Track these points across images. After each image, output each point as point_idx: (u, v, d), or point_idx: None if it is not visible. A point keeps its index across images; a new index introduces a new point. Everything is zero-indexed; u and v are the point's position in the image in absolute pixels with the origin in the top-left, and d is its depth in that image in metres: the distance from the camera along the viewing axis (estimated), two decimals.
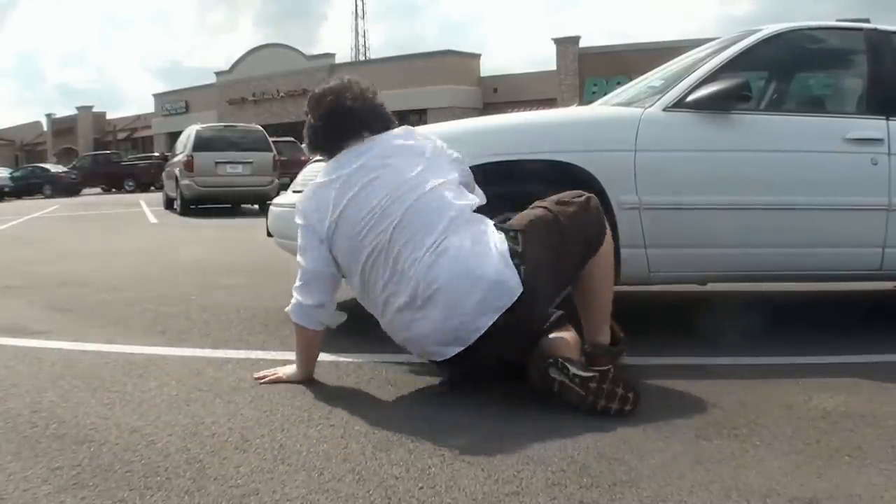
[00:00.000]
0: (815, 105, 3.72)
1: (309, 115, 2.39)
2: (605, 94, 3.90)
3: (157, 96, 44.61)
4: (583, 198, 2.23)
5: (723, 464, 1.69)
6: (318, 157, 2.61)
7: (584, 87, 27.62)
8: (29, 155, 49.27)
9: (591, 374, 1.98)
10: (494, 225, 2.20)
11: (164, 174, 14.98)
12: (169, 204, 13.62)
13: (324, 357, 2.65)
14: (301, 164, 9.20)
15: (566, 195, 2.25)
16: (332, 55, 37.40)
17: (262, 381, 2.33)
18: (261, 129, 13.48)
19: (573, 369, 1.98)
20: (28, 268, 5.49)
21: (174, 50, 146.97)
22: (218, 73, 40.26)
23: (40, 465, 1.70)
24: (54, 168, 28.39)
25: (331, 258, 2.26)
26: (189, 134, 12.75)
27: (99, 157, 30.64)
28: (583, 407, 1.97)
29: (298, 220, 2.31)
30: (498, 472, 1.64)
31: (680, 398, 2.18)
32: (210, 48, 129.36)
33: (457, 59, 32.43)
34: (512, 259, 2.07)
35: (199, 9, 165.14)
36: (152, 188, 24.56)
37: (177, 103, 42.00)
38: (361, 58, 49.91)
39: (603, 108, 3.31)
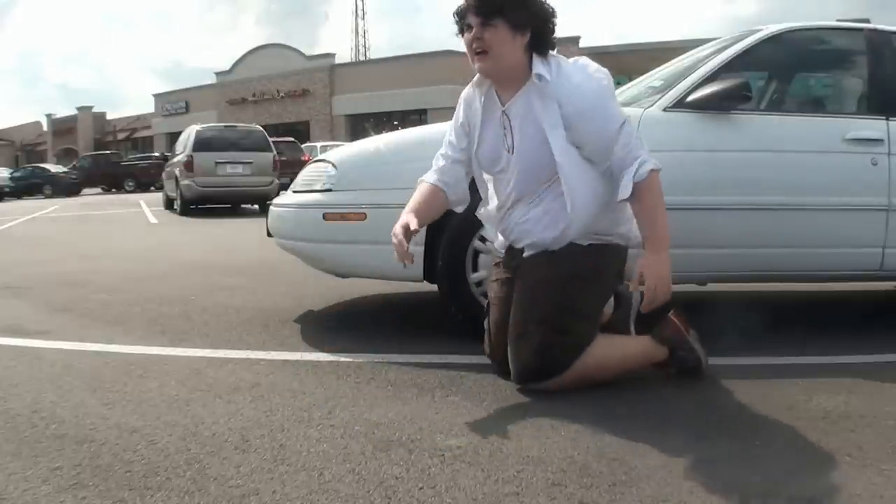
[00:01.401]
0: (815, 105, 3.72)
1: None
2: None
3: (157, 96, 44.65)
4: None
5: (723, 464, 1.69)
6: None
7: None
8: (29, 155, 49.34)
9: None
10: None
11: (164, 174, 14.97)
12: (169, 204, 13.61)
13: (323, 357, 2.66)
14: (301, 164, 9.21)
15: None
16: (332, 55, 37.41)
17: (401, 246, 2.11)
18: (261, 129, 13.47)
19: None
20: (28, 268, 5.48)
21: (176, 50, 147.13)
22: (218, 74, 40.30)
23: (40, 465, 1.70)
24: (54, 168, 28.39)
25: None
26: (189, 134, 12.74)
27: (99, 157, 30.62)
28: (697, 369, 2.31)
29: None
30: (498, 472, 1.64)
31: (680, 398, 2.18)
32: (212, 48, 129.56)
33: (457, 59, 32.15)
34: None
35: (200, 8, 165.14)
36: (152, 188, 24.56)
37: (177, 103, 42.04)
38: (361, 58, 49.91)
39: None
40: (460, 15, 2.15)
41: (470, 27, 2.12)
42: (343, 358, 2.61)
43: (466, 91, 2.33)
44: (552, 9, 2.16)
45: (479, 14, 2.08)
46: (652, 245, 2.11)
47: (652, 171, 2.09)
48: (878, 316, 3.61)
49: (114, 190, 27.23)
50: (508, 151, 2.19)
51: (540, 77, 2.11)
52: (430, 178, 2.36)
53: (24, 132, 53.11)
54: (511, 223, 2.28)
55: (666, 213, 2.13)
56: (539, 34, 2.13)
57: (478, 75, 2.24)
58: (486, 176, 2.34)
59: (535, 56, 2.13)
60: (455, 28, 2.20)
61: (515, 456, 1.73)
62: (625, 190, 2.09)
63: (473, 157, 2.29)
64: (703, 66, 2.96)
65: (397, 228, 2.13)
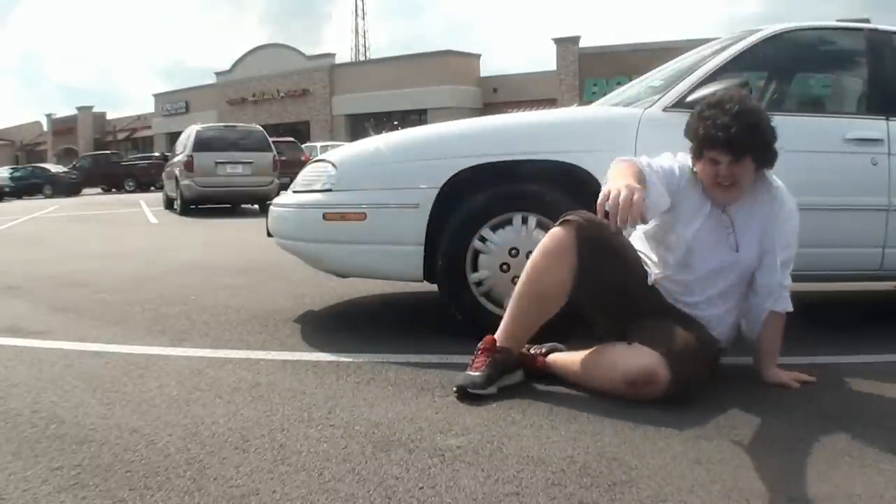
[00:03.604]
0: (815, 105, 3.73)
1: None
2: (605, 94, 3.90)
3: (157, 96, 44.64)
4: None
5: (723, 464, 1.69)
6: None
7: (584, 87, 27.64)
8: (29, 155, 49.30)
9: None
10: None
11: (164, 174, 14.97)
12: (169, 204, 13.62)
13: (323, 357, 2.66)
14: (301, 164, 9.24)
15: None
16: (332, 55, 37.40)
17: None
18: (261, 129, 13.47)
19: None
20: (28, 268, 5.48)
21: (178, 50, 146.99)
22: (218, 73, 40.28)
23: (40, 465, 1.70)
24: (54, 168, 28.38)
25: None
26: (189, 134, 12.74)
27: (99, 157, 30.60)
28: None
29: None
30: (498, 472, 1.64)
31: (680, 399, 2.18)
32: (214, 48, 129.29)
33: (457, 59, 32.43)
34: None
35: (202, 8, 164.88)
36: (152, 188, 24.57)
37: (177, 103, 42.03)
38: (361, 58, 49.92)
39: (603, 109, 3.31)
40: (700, 143, 2.19)
41: (716, 162, 2.16)
42: (343, 358, 2.61)
43: (686, 168, 2.29)
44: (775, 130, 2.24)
45: (730, 153, 2.14)
46: (773, 360, 2.34)
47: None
48: (878, 316, 3.61)
49: (114, 190, 27.23)
50: (734, 250, 2.25)
51: (773, 180, 2.30)
52: (637, 160, 2.19)
53: (24, 132, 53.10)
54: (699, 306, 2.29)
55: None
56: (769, 162, 2.25)
57: (692, 169, 2.27)
58: (669, 254, 2.29)
59: (763, 172, 2.27)
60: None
61: (515, 456, 1.73)
62: (786, 304, 2.31)
63: (680, 239, 2.24)
64: (703, 66, 2.95)
65: (625, 192, 1.84)
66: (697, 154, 2.23)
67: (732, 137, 2.10)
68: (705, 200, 2.25)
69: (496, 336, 2.24)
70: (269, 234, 3.25)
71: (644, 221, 1.92)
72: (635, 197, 1.83)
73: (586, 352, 2.23)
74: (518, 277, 2.24)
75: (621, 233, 2.14)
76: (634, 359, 2.07)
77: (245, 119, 23.74)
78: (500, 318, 2.72)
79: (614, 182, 1.91)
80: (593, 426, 1.92)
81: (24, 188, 24.91)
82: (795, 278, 3.24)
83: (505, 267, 2.74)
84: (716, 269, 2.26)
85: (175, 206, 12.69)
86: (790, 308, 2.31)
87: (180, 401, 2.16)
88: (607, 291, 2.20)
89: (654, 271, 2.30)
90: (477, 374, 2.18)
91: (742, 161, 2.16)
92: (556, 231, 2.18)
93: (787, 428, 1.92)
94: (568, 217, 2.18)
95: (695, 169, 2.26)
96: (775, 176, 2.34)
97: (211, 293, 4.08)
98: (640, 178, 2.05)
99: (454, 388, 2.20)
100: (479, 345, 2.24)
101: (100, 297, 4.03)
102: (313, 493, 1.54)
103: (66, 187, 25.03)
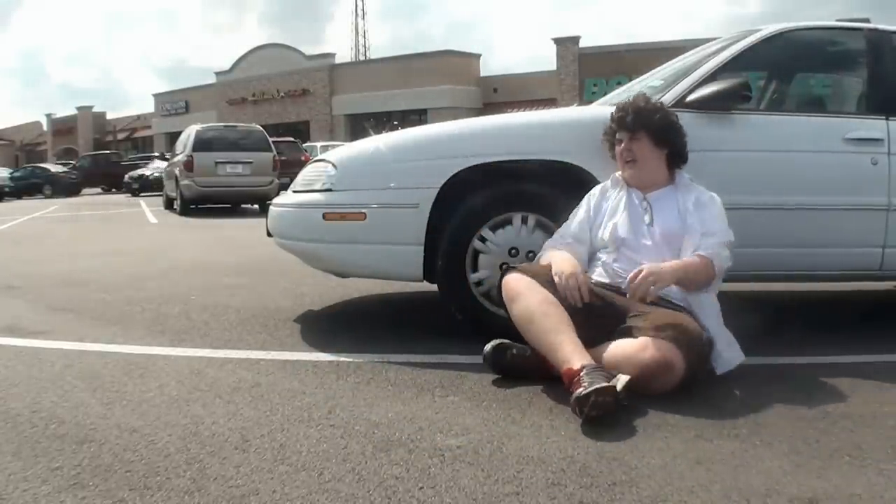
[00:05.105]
0: (815, 105, 3.73)
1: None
2: (605, 94, 3.89)
3: (156, 96, 44.61)
4: None
5: (723, 464, 1.69)
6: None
7: (584, 87, 27.64)
8: (29, 155, 49.28)
9: None
10: None
11: (164, 174, 14.97)
12: (169, 204, 13.62)
13: (323, 357, 2.66)
14: (301, 164, 9.25)
15: None
16: (332, 55, 37.39)
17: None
18: (261, 129, 13.47)
19: None
20: (28, 268, 5.48)
21: (179, 50, 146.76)
22: (218, 73, 40.26)
23: (40, 465, 1.70)
24: (54, 168, 28.37)
25: None
26: (189, 134, 12.74)
27: (99, 157, 30.60)
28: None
29: None
30: (498, 472, 1.64)
31: (680, 398, 2.18)
32: (214, 48, 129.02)
33: (457, 59, 32.42)
34: None
35: (203, 8, 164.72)
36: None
37: (177, 103, 42.01)
38: (361, 58, 49.90)
39: (603, 108, 3.30)
40: (610, 135, 2.62)
41: (620, 141, 2.56)
42: (343, 358, 2.61)
43: (600, 187, 2.65)
44: (682, 127, 2.60)
45: (626, 129, 2.54)
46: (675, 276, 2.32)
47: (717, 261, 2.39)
48: (878, 316, 3.61)
49: (114, 190, 27.22)
50: (649, 225, 2.49)
51: (685, 177, 2.56)
52: (560, 247, 2.55)
53: (24, 132, 53.08)
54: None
55: (693, 282, 2.36)
56: (677, 152, 2.57)
57: (614, 176, 2.62)
58: (605, 254, 2.52)
59: (676, 169, 2.59)
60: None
61: (515, 456, 1.73)
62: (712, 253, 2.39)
63: (610, 237, 2.50)
64: (703, 65, 2.95)
65: (567, 274, 2.32)
66: (611, 147, 2.62)
67: (625, 114, 2.55)
68: (624, 194, 2.56)
69: (566, 368, 2.08)
70: (268, 234, 3.24)
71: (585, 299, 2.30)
72: (578, 280, 2.31)
73: (594, 350, 2.21)
74: None
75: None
76: (648, 351, 2.10)
77: (245, 119, 23.71)
78: (500, 317, 2.74)
79: (558, 266, 2.38)
80: (593, 426, 1.92)
81: (23, 188, 24.89)
82: (798, 278, 3.27)
83: (505, 267, 2.74)
84: (646, 244, 2.45)
85: (175, 206, 12.69)
86: (715, 258, 2.37)
87: (180, 401, 2.16)
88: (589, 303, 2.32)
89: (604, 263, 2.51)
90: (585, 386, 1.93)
91: (638, 136, 2.52)
92: (509, 278, 2.39)
93: (787, 428, 1.92)
94: (509, 268, 2.46)
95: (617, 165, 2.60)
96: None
97: (211, 293, 4.08)
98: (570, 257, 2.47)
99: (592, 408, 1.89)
100: (566, 386, 2.04)
101: (99, 296, 4.03)
102: (313, 493, 1.54)
103: (66, 187, 25.01)
